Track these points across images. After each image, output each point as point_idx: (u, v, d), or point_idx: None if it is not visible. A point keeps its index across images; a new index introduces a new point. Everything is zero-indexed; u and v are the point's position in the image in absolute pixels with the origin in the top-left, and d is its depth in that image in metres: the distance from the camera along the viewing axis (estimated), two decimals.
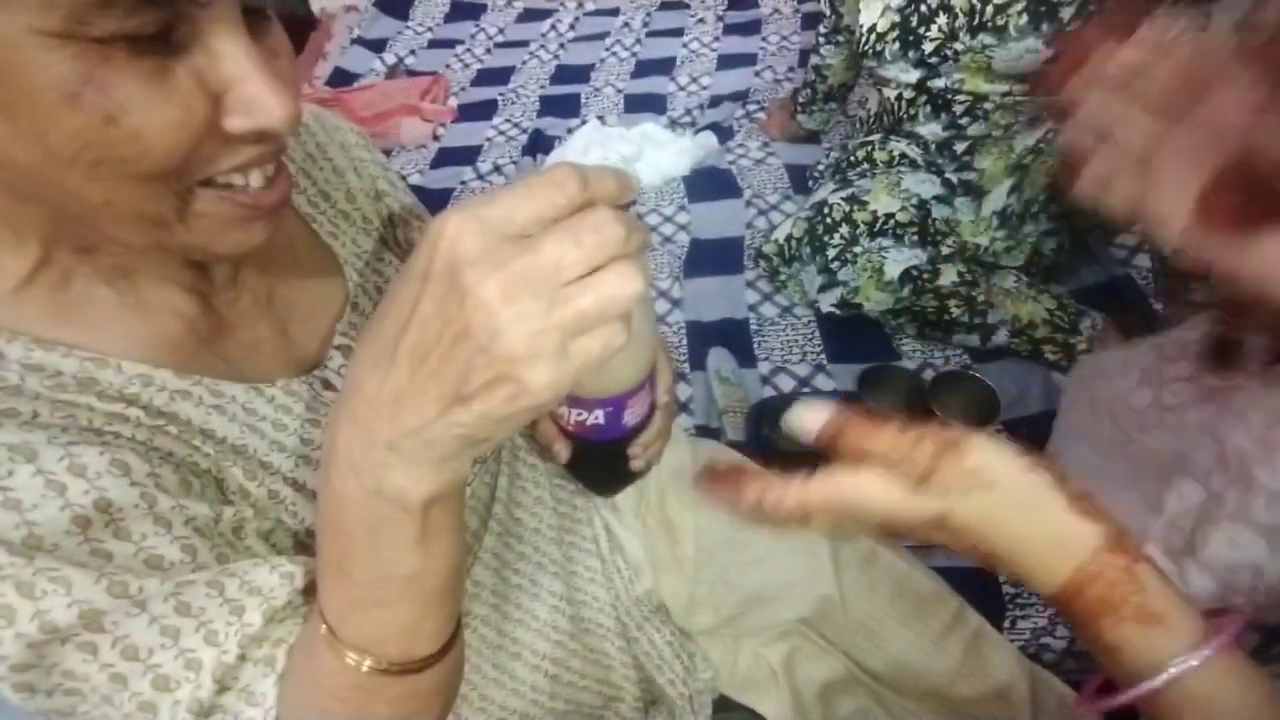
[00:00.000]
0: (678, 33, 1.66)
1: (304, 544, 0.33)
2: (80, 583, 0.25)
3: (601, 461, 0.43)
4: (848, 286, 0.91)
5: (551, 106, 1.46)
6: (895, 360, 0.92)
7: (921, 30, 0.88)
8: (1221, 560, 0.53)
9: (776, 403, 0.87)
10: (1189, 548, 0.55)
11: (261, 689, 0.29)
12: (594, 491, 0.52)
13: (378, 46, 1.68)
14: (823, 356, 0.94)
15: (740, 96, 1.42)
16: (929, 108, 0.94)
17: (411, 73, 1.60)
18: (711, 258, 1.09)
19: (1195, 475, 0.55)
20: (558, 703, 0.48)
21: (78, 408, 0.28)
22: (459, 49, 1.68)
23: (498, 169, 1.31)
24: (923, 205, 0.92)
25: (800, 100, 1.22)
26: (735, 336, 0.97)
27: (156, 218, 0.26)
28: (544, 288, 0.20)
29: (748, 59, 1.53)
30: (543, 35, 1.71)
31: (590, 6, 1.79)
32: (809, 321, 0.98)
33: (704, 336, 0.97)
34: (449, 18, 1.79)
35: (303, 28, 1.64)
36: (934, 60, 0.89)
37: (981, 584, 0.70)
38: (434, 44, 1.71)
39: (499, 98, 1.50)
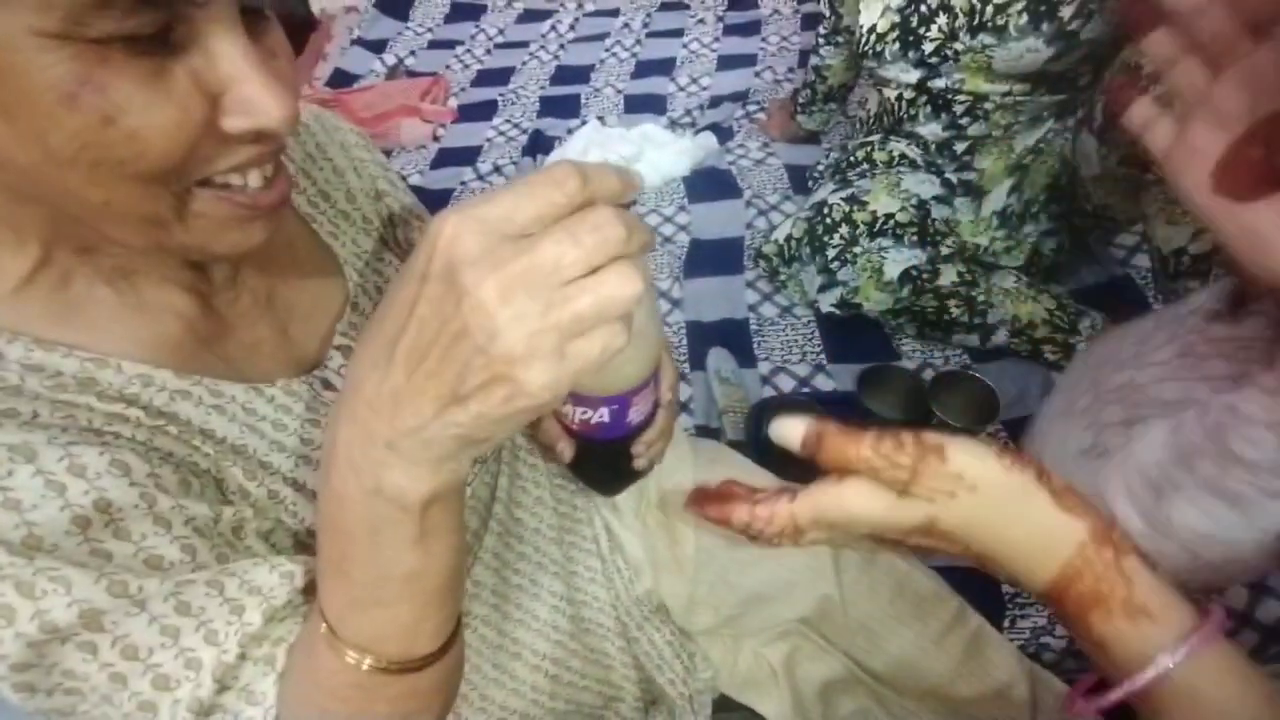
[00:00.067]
0: (678, 33, 1.66)
1: (304, 544, 0.33)
2: (80, 582, 0.26)
3: (605, 460, 0.44)
4: (847, 286, 0.91)
5: (551, 107, 1.46)
6: (895, 360, 0.92)
7: (921, 30, 0.88)
8: (1191, 529, 0.53)
9: (776, 403, 0.87)
10: (1157, 508, 0.55)
11: (261, 688, 0.29)
12: (597, 491, 0.52)
13: (378, 47, 1.68)
14: (822, 356, 0.94)
15: (740, 97, 1.42)
16: (929, 108, 0.94)
17: (411, 73, 1.60)
18: (711, 258, 1.09)
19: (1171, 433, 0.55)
20: (558, 703, 0.48)
21: (77, 408, 0.28)
22: (459, 50, 1.68)
23: (498, 169, 1.31)
24: (922, 205, 0.92)
25: (800, 101, 1.22)
26: (735, 336, 0.97)
27: (155, 218, 0.26)
28: (542, 288, 0.20)
29: (748, 60, 1.53)
30: (543, 36, 1.71)
31: (590, 7, 1.79)
32: (809, 321, 0.98)
33: (704, 337, 0.97)
34: (449, 18, 1.79)
35: (303, 28, 1.64)
36: (934, 60, 0.89)
37: (981, 584, 0.70)
38: (434, 45, 1.71)
39: (499, 98, 1.50)
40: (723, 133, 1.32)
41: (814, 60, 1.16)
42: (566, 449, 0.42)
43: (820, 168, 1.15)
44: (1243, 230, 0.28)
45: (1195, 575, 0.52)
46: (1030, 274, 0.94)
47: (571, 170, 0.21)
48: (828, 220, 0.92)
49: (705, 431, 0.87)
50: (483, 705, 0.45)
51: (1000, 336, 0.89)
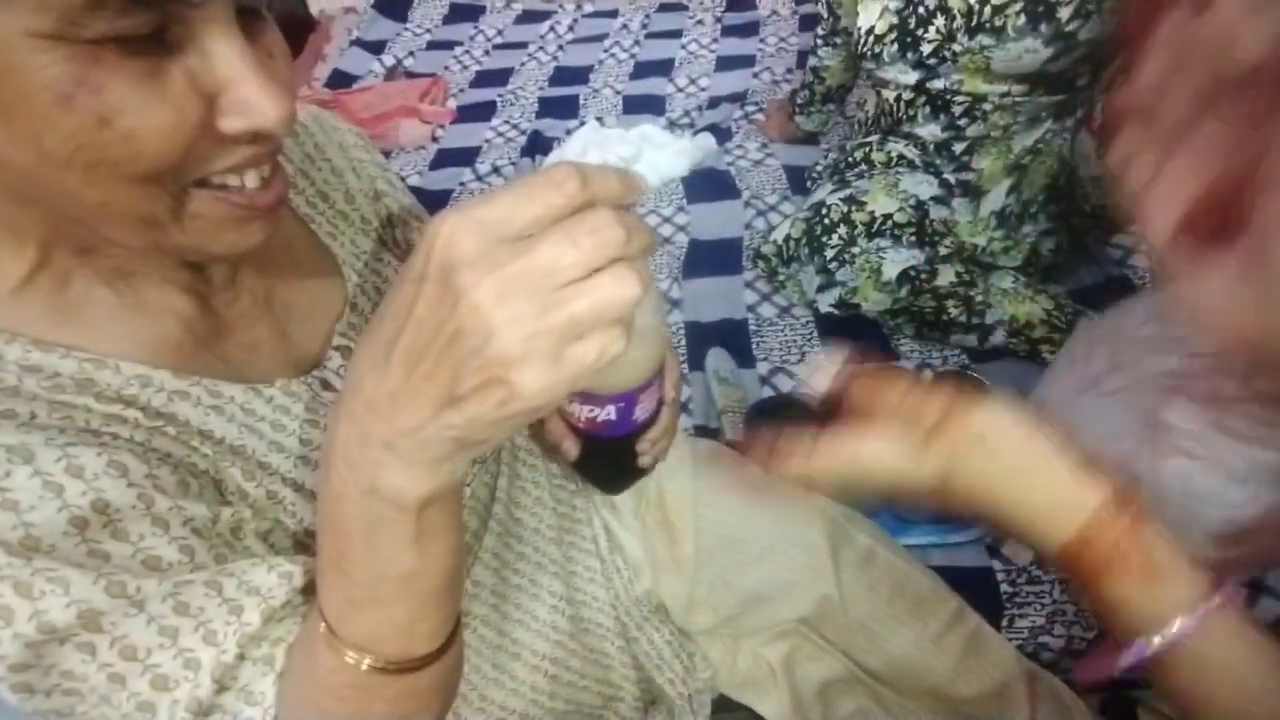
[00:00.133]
0: (676, 34, 1.66)
1: (302, 544, 0.33)
2: (78, 583, 0.26)
3: (610, 458, 0.44)
4: (846, 287, 0.91)
5: (550, 108, 1.46)
6: (893, 360, 0.92)
7: (919, 32, 0.89)
8: (1179, 490, 0.53)
9: (775, 403, 0.88)
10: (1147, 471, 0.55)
11: (260, 688, 0.29)
12: (601, 489, 0.52)
13: (377, 48, 1.68)
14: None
15: (739, 98, 1.42)
16: (928, 109, 0.94)
17: (410, 74, 1.60)
18: (710, 258, 1.09)
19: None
20: (557, 703, 0.48)
21: (75, 409, 0.28)
22: (458, 50, 1.68)
23: (496, 170, 1.31)
24: (920, 206, 0.92)
25: (798, 102, 1.22)
26: (734, 337, 0.97)
27: (152, 219, 0.26)
28: (537, 290, 0.20)
29: (746, 60, 1.53)
30: (541, 37, 1.71)
31: (589, 8, 1.79)
32: (807, 322, 0.98)
33: (703, 337, 0.98)
34: (448, 19, 1.79)
35: (301, 29, 1.65)
36: (932, 62, 0.89)
37: (980, 583, 0.70)
38: (433, 45, 1.71)
39: (498, 99, 1.50)
40: (721, 133, 1.32)
41: (812, 61, 1.16)
42: (572, 448, 0.42)
43: (819, 168, 1.15)
44: (1188, 291, 0.28)
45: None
46: (1028, 274, 0.94)
47: (571, 172, 0.20)
48: (826, 221, 0.92)
49: (704, 431, 0.87)
50: (482, 705, 0.45)
51: (998, 336, 0.89)
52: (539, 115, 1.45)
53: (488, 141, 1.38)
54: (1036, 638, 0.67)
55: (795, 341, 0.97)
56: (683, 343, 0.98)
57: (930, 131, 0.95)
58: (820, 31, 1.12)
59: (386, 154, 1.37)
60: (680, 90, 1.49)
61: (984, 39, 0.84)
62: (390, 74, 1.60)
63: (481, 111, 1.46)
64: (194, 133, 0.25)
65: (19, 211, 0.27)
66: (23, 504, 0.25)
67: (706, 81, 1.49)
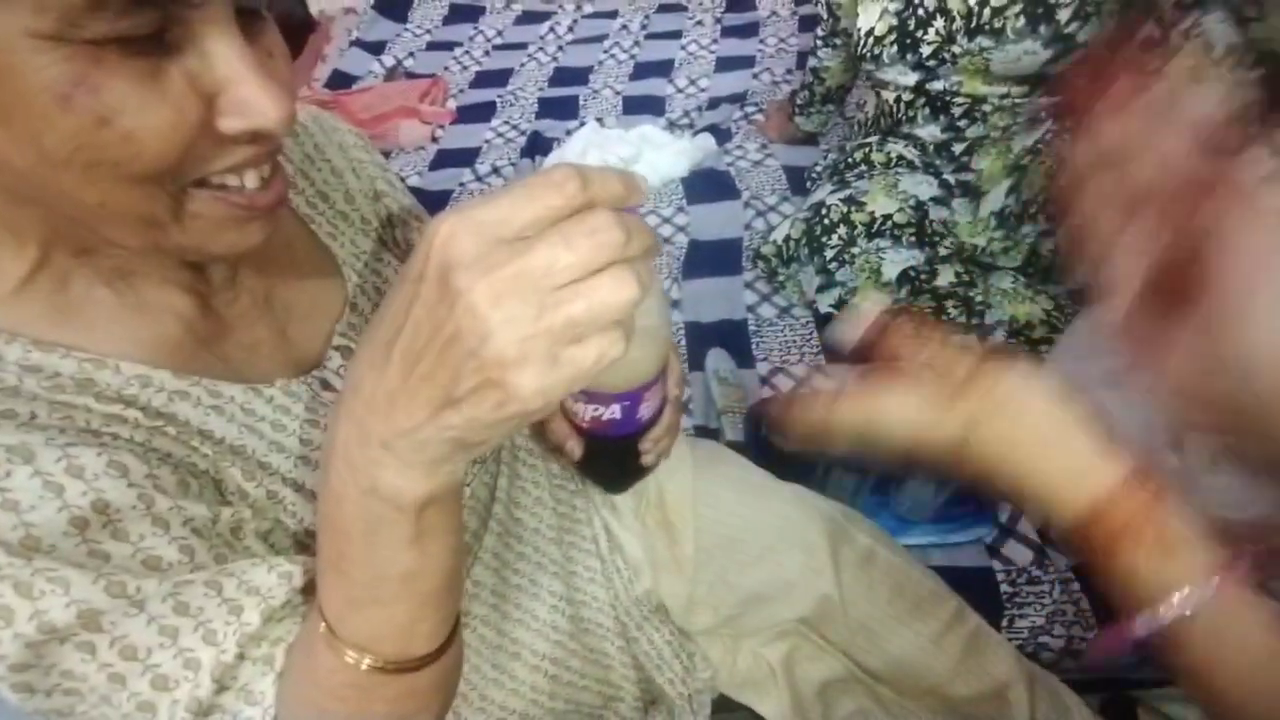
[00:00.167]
0: (676, 35, 1.66)
1: (303, 544, 0.33)
2: (78, 583, 0.26)
3: (614, 457, 0.44)
4: (845, 287, 0.91)
5: (550, 108, 1.46)
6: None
7: (919, 33, 0.89)
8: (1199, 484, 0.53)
9: (775, 404, 0.87)
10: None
11: (260, 688, 0.29)
12: (604, 488, 0.52)
13: (376, 49, 1.68)
14: (821, 357, 0.95)
15: (738, 98, 1.42)
16: (927, 110, 0.94)
17: (410, 75, 1.61)
18: (710, 259, 1.09)
19: None
20: (557, 702, 0.48)
21: (76, 409, 0.28)
22: (457, 51, 1.68)
23: (496, 171, 1.31)
24: (920, 206, 0.92)
25: (798, 102, 1.22)
26: (734, 337, 0.97)
27: (152, 219, 0.26)
28: (534, 292, 0.19)
29: (746, 61, 1.53)
30: (541, 38, 1.71)
31: (588, 9, 1.79)
32: (807, 322, 0.98)
33: (703, 337, 0.98)
34: (447, 20, 1.79)
35: (301, 30, 1.65)
36: (932, 63, 0.89)
37: (980, 584, 0.70)
38: (432, 46, 1.71)
39: (498, 100, 1.50)
40: (721, 134, 1.32)
41: (812, 62, 1.16)
42: (576, 447, 0.42)
43: (818, 169, 1.15)
44: (1155, 360, 0.27)
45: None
46: (1028, 275, 0.94)
47: (571, 173, 0.20)
48: (826, 221, 0.92)
49: (704, 432, 0.87)
50: (482, 705, 0.45)
51: (998, 337, 0.89)
52: (539, 116, 1.45)
53: (487, 142, 1.39)
54: (1036, 638, 0.67)
55: (795, 342, 0.97)
56: (683, 343, 0.98)
57: (930, 132, 0.96)
58: (820, 33, 1.12)
59: (386, 154, 1.37)
60: (680, 91, 1.49)
61: (983, 41, 0.84)
62: (390, 75, 1.60)
63: (481, 112, 1.46)
64: (193, 133, 0.25)
65: (19, 212, 0.27)
66: (23, 504, 0.25)
67: (706, 82, 1.49)
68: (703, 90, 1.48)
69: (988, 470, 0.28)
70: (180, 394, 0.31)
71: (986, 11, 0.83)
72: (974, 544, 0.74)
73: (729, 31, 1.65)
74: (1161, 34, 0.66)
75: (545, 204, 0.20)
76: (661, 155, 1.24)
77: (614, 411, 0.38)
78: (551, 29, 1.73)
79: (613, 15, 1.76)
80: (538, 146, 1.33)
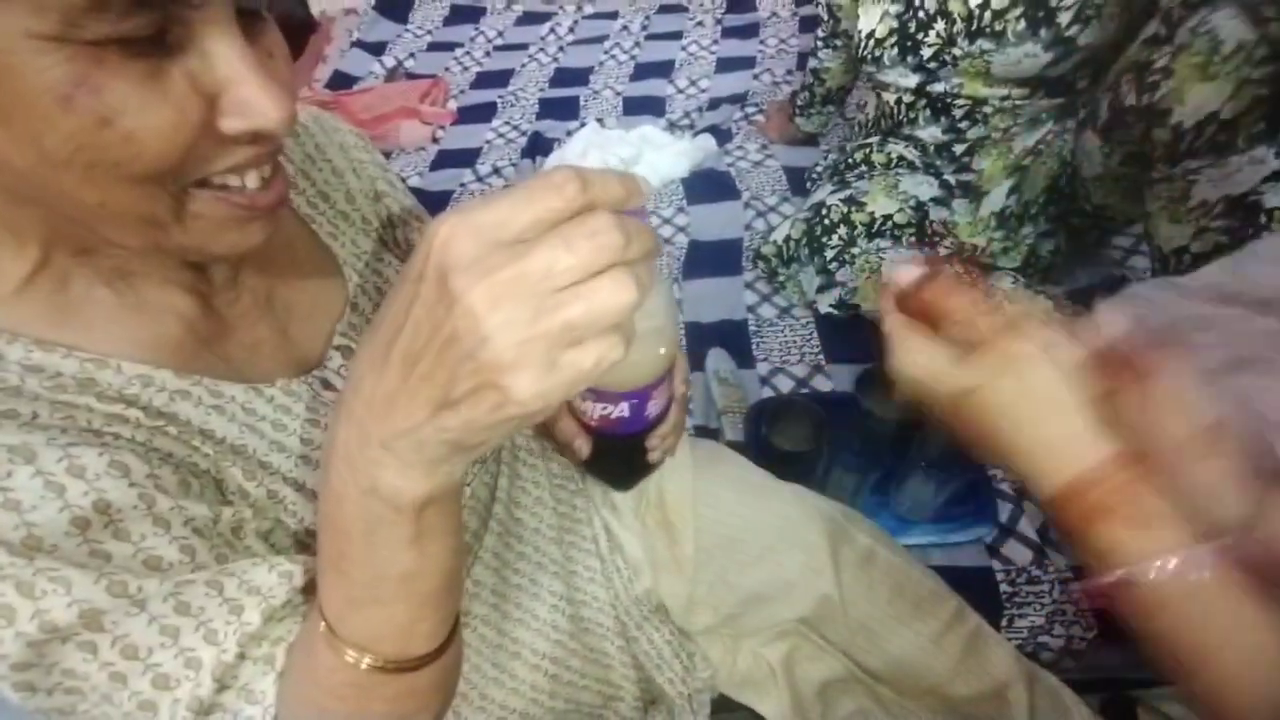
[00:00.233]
0: (676, 36, 1.66)
1: (303, 544, 0.33)
2: (80, 583, 0.26)
3: (621, 455, 0.44)
4: (846, 287, 0.91)
5: (551, 109, 1.46)
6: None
7: (920, 36, 0.89)
8: None
9: (775, 403, 0.88)
10: None
11: (261, 687, 0.29)
12: (610, 486, 0.52)
13: (377, 49, 1.68)
14: (821, 357, 0.95)
15: (739, 99, 1.42)
16: (928, 112, 0.94)
17: (411, 75, 1.61)
18: (710, 259, 1.09)
19: None
20: (557, 702, 0.48)
21: (77, 409, 0.28)
22: (458, 52, 1.69)
23: (497, 171, 1.31)
24: (920, 207, 0.92)
25: (798, 103, 1.22)
26: (734, 337, 0.97)
27: (153, 219, 0.26)
28: (531, 295, 0.19)
29: (746, 62, 1.53)
30: (542, 38, 1.71)
31: (589, 10, 1.79)
32: (807, 322, 0.98)
33: (703, 337, 0.98)
34: (448, 21, 1.80)
35: (302, 30, 1.65)
36: (932, 65, 0.89)
37: (980, 583, 0.70)
38: (433, 47, 1.71)
39: (498, 100, 1.50)
40: (721, 135, 1.32)
41: (812, 63, 1.16)
42: (584, 446, 0.42)
43: (819, 169, 1.15)
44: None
45: None
46: (1027, 275, 0.94)
47: (571, 176, 0.20)
48: (826, 221, 0.92)
49: (704, 432, 0.87)
50: (482, 704, 0.45)
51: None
52: (539, 116, 1.45)
53: (488, 143, 1.39)
54: (1036, 638, 0.67)
55: (795, 342, 0.97)
56: (683, 343, 0.98)
57: (931, 134, 0.96)
58: (820, 34, 1.13)
59: (387, 155, 1.37)
60: (680, 92, 1.49)
61: (984, 43, 0.84)
62: (391, 75, 1.60)
63: (482, 113, 1.47)
64: (194, 133, 0.25)
65: (19, 212, 0.27)
66: (24, 504, 0.25)
67: (706, 83, 1.50)
68: (703, 91, 1.48)
69: (982, 429, 0.28)
70: (181, 394, 0.31)
71: (987, 15, 0.83)
72: (974, 544, 0.74)
73: (729, 32, 1.65)
74: (1168, 32, 0.66)
75: (545, 206, 0.20)
76: (662, 156, 1.24)
77: (622, 410, 0.38)
78: (552, 30, 1.73)
79: (613, 16, 1.76)
80: (538, 147, 1.33)
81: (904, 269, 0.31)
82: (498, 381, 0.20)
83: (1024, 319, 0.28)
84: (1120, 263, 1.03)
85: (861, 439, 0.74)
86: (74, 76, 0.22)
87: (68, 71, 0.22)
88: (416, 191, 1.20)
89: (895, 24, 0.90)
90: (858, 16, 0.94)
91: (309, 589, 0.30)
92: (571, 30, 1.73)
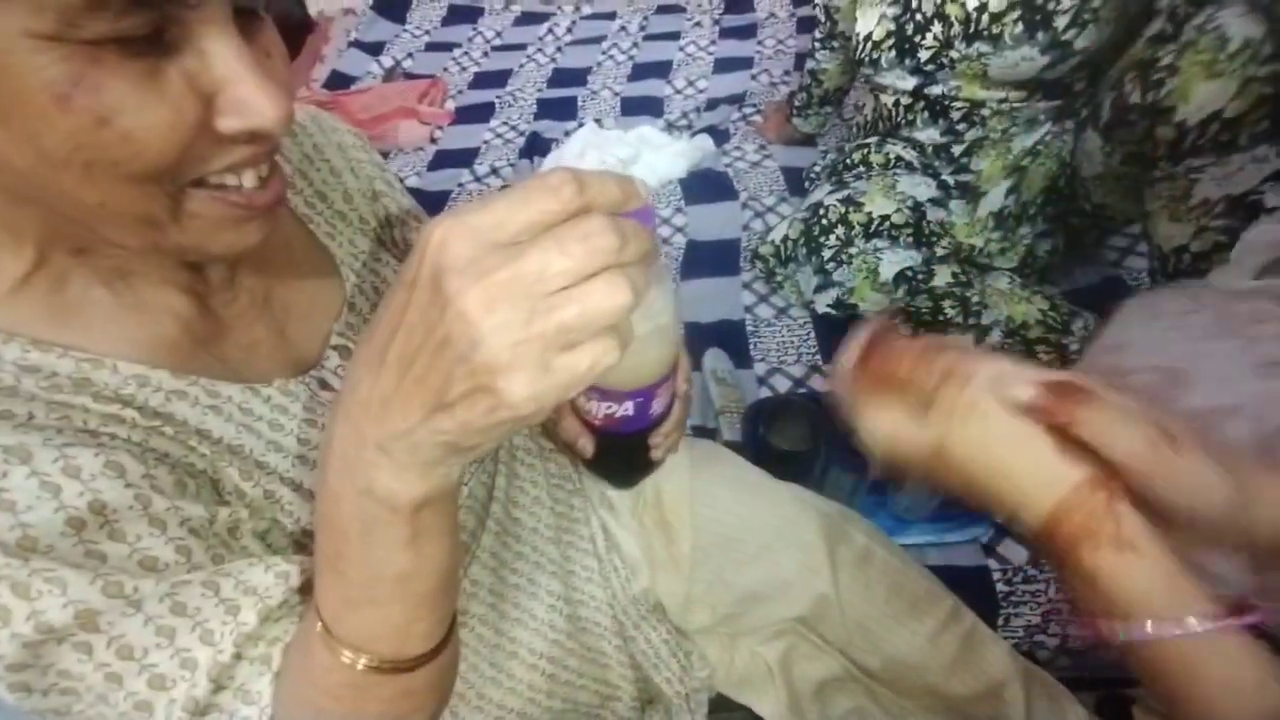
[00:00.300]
0: (674, 36, 1.66)
1: (300, 544, 0.33)
2: (75, 583, 0.26)
3: (625, 454, 0.44)
4: (843, 287, 0.91)
5: (549, 109, 1.47)
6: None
7: (917, 39, 0.89)
8: None
9: (772, 403, 0.88)
10: None
11: (257, 687, 0.29)
12: (613, 485, 0.52)
13: (375, 49, 1.68)
14: (818, 357, 0.95)
15: (736, 99, 1.42)
16: (926, 114, 0.94)
17: (409, 75, 1.61)
18: (708, 259, 1.09)
19: None
20: (555, 701, 0.49)
21: (73, 409, 0.28)
22: (456, 52, 1.69)
23: (495, 171, 1.31)
24: (917, 207, 0.92)
25: (796, 104, 1.22)
26: (731, 337, 0.98)
27: (150, 218, 0.26)
28: (525, 297, 0.19)
29: (744, 62, 1.54)
30: (540, 39, 1.71)
31: (587, 10, 1.80)
32: (805, 322, 0.98)
33: (700, 337, 0.98)
34: (446, 21, 1.80)
35: (300, 30, 1.65)
36: (930, 68, 0.89)
37: (976, 582, 0.70)
38: (431, 47, 1.71)
39: (496, 100, 1.50)
40: (719, 135, 1.33)
41: (810, 64, 1.17)
42: (587, 445, 0.42)
43: (817, 169, 1.15)
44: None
45: None
46: (1024, 275, 0.94)
47: (567, 177, 0.20)
48: (824, 221, 0.92)
49: (702, 432, 0.88)
50: (480, 704, 0.45)
51: (994, 337, 0.90)
52: (537, 117, 1.45)
53: (486, 143, 1.39)
54: (1032, 636, 0.67)
55: (792, 342, 0.97)
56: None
57: (929, 135, 0.96)
58: (818, 35, 1.13)
59: (385, 155, 1.37)
60: (678, 92, 1.49)
61: (981, 46, 0.85)
62: (389, 75, 1.60)
63: (480, 113, 1.47)
64: (192, 133, 0.25)
65: (16, 212, 0.27)
66: (20, 504, 0.25)
67: (704, 83, 1.50)
68: (701, 91, 1.48)
69: (959, 479, 0.29)
70: (178, 394, 0.31)
71: (984, 18, 0.84)
72: (970, 543, 0.74)
73: (727, 33, 1.65)
74: (1174, 30, 0.66)
75: (540, 208, 0.20)
76: (660, 156, 1.25)
77: (627, 408, 0.38)
78: (550, 30, 1.73)
79: (611, 17, 1.76)
80: (536, 147, 1.33)
81: (848, 349, 0.32)
82: (492, 384, 0.20)
83: (963, 364, 0.29)
84: (1116, 263, 1.03)
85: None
86: (71, 75, 0.22)
87: (65, 71, 0.22)
88: (414, 192, 1.20)
89: (893, 26, 0.90)
90: (855, 19, 0.95)
91: (305, 589, 0.30)
92: (569, 31, 1.73)
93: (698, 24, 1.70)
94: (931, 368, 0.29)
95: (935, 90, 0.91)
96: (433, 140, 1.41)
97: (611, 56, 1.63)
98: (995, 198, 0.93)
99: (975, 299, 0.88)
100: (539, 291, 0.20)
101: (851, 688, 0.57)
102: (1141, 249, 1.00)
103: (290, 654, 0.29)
